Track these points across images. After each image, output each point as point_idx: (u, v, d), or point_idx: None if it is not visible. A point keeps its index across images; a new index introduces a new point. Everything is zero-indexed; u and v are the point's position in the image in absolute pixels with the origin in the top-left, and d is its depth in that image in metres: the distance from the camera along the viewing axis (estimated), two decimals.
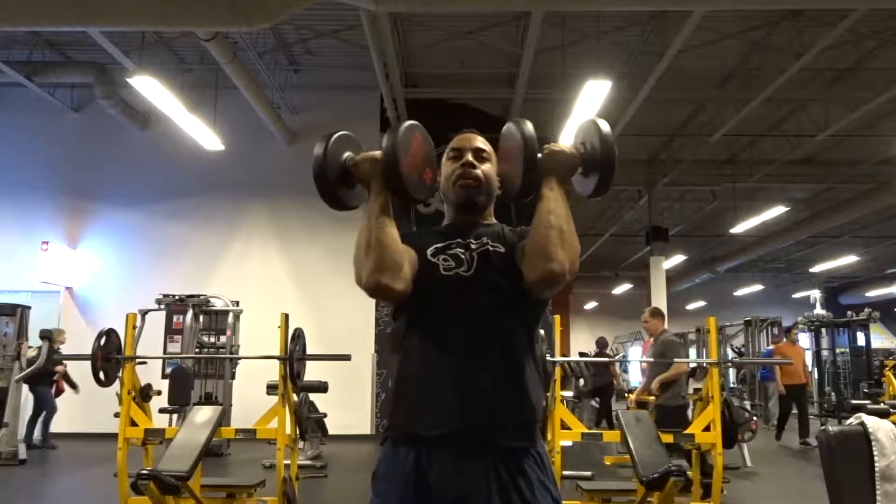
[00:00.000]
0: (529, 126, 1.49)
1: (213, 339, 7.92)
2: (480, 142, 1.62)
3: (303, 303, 8.70)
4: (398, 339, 1.49)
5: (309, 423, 6.22)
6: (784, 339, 9.70)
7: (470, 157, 1.57)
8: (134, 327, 4.27)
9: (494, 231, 1.56)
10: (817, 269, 19.21)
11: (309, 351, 4.52)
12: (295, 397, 4.51)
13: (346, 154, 1.50)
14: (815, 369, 11.41)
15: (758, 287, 21.06)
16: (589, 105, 7.07)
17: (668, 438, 4.20)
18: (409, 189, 1.47)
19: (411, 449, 1.37)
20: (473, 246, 1.51)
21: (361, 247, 1.40)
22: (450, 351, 1.40)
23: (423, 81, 9.05)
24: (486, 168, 1.59)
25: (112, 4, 5.29)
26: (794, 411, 8.89)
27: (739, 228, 13.24)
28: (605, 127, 1.49)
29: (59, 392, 7.86)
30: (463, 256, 1.49)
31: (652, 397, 7.02)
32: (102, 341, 4.09)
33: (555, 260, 1.35)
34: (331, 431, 6.95)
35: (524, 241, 1.45)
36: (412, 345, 1.45)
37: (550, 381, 4.21)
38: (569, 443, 4.47)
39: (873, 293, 20.69)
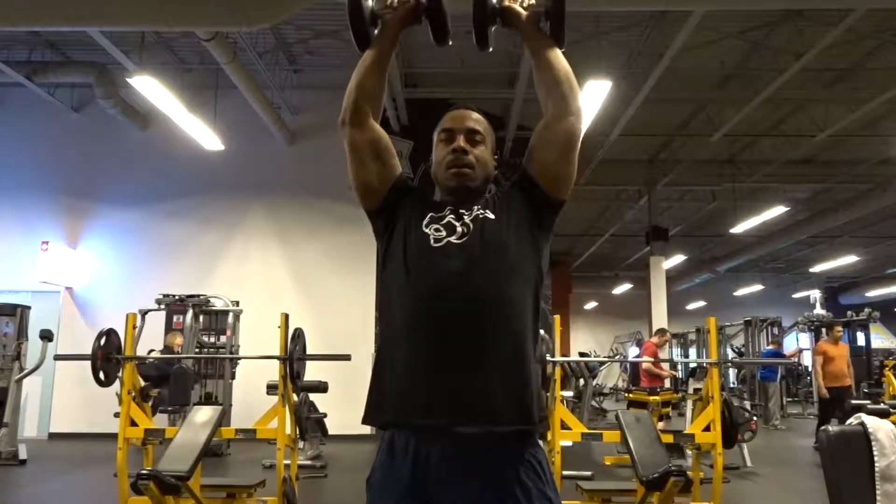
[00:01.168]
0: None
1: (213, 339, 7.92)
2: (474, 121, 1.52)
3: (303, 303, 8.69)
4: (385, 317, 1.43)
5: (309, 423, 6.22)
6: (826, 337, 8.84)
7: (462, 141, 1.48)
8: (134, 327, 4.28)
9: (485, 200, 1.49)
10: (817, 269, 19.20)
11: (309, 351, 4.52)
12: (295, 397, 4.51)
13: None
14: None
15: (758, 287, 21.04)
16: (589, 105, 7.06)
17: (668, 438, 4.21)
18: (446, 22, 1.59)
19: (407, 457, 1.31)
20: (467, 217, 1.43)
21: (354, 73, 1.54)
22: (437, 333, 1.31)
23: (423, 81, 9.04)
24: (480, 152, 1.49)
25: (112, 4, 5.28)
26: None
27: (739, 228, 13.23)
28: None
29: None
30: (456, 224, 1.42)
31: (653, 397, 7.07)
32: (102, 341, 4.10)
33: (577, 91, 1.49)
34: (331, 431, 6.94)
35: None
36: (397, 327, 1.37)
37: (550, 382, 4.21)
38: (569, 443, 4.48)
39: (873, 293, 20.66)
